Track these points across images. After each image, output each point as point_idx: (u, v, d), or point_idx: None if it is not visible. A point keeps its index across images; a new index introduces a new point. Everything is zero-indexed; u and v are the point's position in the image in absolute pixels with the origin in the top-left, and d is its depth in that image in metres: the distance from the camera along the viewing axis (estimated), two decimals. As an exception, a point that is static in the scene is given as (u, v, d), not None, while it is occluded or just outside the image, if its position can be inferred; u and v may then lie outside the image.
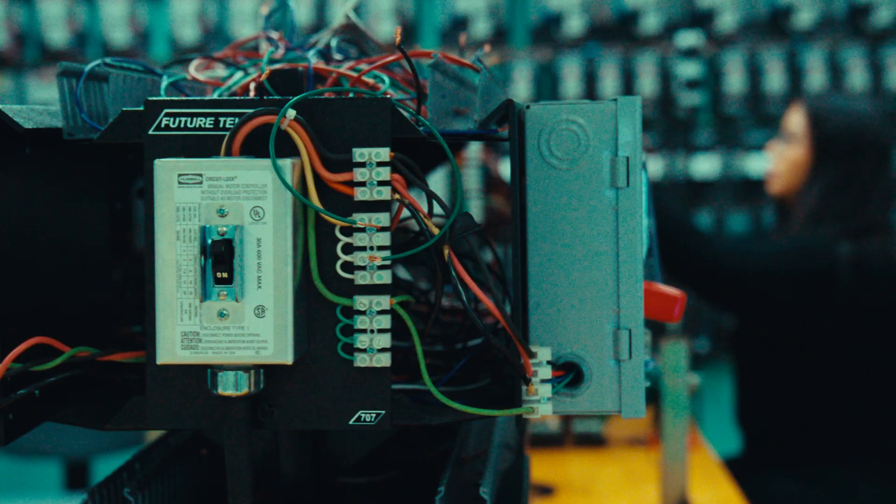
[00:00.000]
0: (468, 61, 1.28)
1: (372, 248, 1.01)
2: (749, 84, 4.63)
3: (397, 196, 1.01)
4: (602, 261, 1.08)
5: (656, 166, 4.60)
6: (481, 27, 4.70)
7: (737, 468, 3.14)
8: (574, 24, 4.67)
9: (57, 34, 4.75)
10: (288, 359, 0.98)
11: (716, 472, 2.67)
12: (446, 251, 1.01)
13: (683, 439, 2.21)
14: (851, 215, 2.95)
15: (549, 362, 1.06)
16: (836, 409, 2.99)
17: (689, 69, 4.20)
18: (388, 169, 1.00)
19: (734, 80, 4.62)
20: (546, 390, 1.05)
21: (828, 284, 2.88)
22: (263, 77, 1.10)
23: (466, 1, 4.70)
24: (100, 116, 1.11)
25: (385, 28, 4.69)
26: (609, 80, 4.64)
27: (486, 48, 1.41)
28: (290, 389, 1.02)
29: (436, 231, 1.01)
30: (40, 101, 4.81)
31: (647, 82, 4.62)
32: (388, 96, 1.04)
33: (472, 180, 2.64)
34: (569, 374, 1.08)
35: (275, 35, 1.35)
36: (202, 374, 1.00)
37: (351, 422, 1.02)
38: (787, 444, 3.03)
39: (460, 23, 4.72)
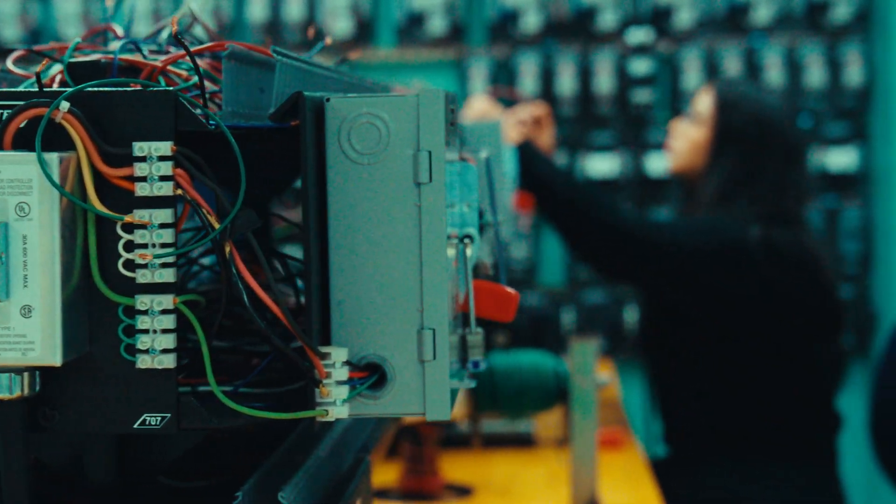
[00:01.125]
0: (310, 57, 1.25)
1: (154, 246, 0.98)
2: (707, 81, 4.60)
3: (180, 191, 0.98)
4: (405, 259, 1.05)
5: (613, 164, 4.57)
6: (438, 24, 4.67)
7: (668, 466, 3.11)
8: (531, 21, 4.64)
9: None
10: (56, 360, 0.95)
11: (640, 473, 2.64)
12: (227, 248, 0.97)
13: (593, 439, 2.18)
14: (762, 202, 2.92)
15: (347, 363, 1.03)
16: (751, 399, 2.96)
17: (640, 66, 4.17)
18: (169, 164, 0.97)
19: (692, 77, 4.59)
20: (342, 392, 1.02)
21: (740, 264, 2.86)
22: (60, 70, 1.07)
23: (422, -3, 4.67)
24: None
25: (341, 25, 4.66)
26: (567, 77, 4.61)
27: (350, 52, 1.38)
28: (72, 392, 0.99)
29: (217, 227, 0.97)
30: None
31: (605, 79, 4.59)
32: (172, 88, 1.00)
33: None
34: (372, 376, 1.05)
35: (117, 28, 1.31)
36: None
37: (136, 425, 0.99)
38: (710, 439, 3.01)
39: (417, 20, 4.69)
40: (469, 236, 1.21)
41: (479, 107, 3.03)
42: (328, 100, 1.04)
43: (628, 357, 4.39)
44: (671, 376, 3.09)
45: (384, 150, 1.04)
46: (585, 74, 4.62)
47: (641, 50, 4.18)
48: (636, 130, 4.54)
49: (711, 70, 4.60)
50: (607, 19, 4.58)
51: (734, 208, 2.92)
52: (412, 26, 4.71)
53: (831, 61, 4.59)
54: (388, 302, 1.05)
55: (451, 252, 1.11)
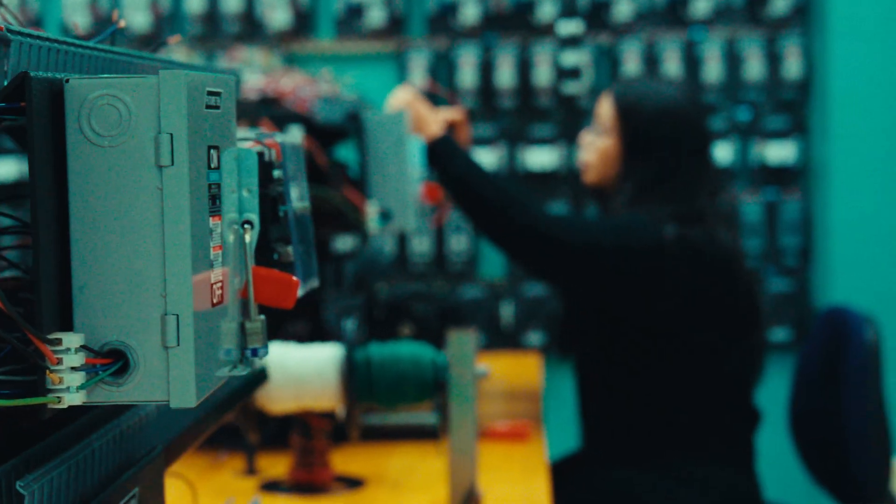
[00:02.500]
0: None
1: None
2: (647, 73, 4.58)
3: None
4: (147, 243, 1.03)
5: (552, 157, 4.56)
6: (377, 15, 4.65)
7: (579, 462, 3.10)
8: (470, 13, 4.62)
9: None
10: None
11: (536, 467, 2.62)
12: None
13: (472, 430, 2.16)
14: (676, 201, 2.89)
15: (85, 349, 1.01)
16: (666, 396, 2.94)
17: (570, 58, 4.15)
18: None
19: (632, 68, 4.57)
20: (76, 379, 1.00)
21: (655, 264, 2.82)
22: None
23: (360, -11, 4.65)
24: None
25: (280, 17, 4.64)
26: (506, 69, 4.60)
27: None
28: None
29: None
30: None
31: (543, 72, 4.57)
32: None
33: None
34: (116, 363, 1.03)
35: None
36: None
37: None
38: (623, 435, 2.99)
39: (356, 11, 4.67)
40: (249, 222, 1.19)
41: (401, 97, 3.01)
42: (67, 81, 1.02)
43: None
44: (589, 371, 3.07)
45: (125, 133, 1.02)
46: (524, 66, 4.60)
47: (572, 41, 4.16)
48: (574, 123, 4.51)
49: (651, 62, 4.59)
50: (546, 11, 4.56)
51: (650, 209, 2.89)
52: (351, 18, 4.69)
53: (770, 54, 4.58)
54: (131, 287, 1.03)
55: (231, 237, 1.09)
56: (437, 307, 2.92)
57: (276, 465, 2.51)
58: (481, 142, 4.59)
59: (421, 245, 4.62)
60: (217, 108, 1.11)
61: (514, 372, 3.67)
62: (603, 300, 2.94)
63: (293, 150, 1.35)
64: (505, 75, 4.60)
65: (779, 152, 4.57)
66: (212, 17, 4.70)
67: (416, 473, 2.56)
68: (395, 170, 2.69)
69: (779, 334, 4.54)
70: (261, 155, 1.29)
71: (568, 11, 4.53)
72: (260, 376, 1.96)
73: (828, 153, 4.51)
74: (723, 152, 4.54)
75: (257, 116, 2.33)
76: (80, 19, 4.68)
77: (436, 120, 2.99)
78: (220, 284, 1.12)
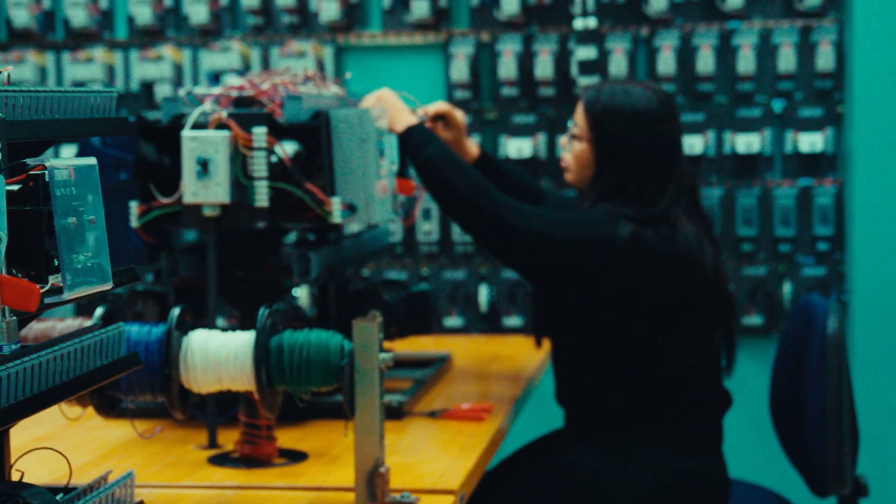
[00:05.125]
0: None
1: None
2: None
3: None
4: None
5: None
6: (422, 7, 4.83)
7: (548, 441, 3.27)
8: (511, 6, 4.77)
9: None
10: None
11: (476, 445, 2.75)
12: None
13: (375, 412, 2.33)
14: (636, 203, 3.02)
15: None
16: (628, 382, 3.09)
17: (583, 52, 4.29)
18: None
19: (667, 60, 4.69)
20: None
21: (606, 259, 2.97)
22: None
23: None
24: None
25: (330, 8, 4.84)
26: (545, 60, 4.74)
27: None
28: None
29: None
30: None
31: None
32: None
33: (259, 164, 2.78)
34: None
35: None
36: None
37: None
38: (589, 417, 3.14)
39: (403, 3, 4.88)
40: None
41: (379, 94, 3.19)
42: None
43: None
44: (560, 355, 3.22)
45: None
46: (563, 57, 4.75)
47: (584, 36, 4.31)
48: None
49: (686, 54, 4.70)
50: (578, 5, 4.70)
51: (612, 207, 3.03)
52: (398, 10, 4.88)
53: (804, 45, 4.65)
54: None
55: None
56: (405, 294, 3.10)
57: (228, 440, 2.71)
58: (521, 131, 4.77)
59: (428, 229, 4.84)
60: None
61: (506, 353, 3.84)
62: (560, 289, 3.10)
63: (84, 170, 1.55)
64: (544, 66, 4.75)
65: (812, 141, 4.65)
66: (267, 9, 4.93)
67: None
68: (360, 165, 2.87)
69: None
70: (38, 178, 1.49)
71: (611, 5, 4.67)
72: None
73: (859, 141, 4.58)
74: (758, 141, 4.64)
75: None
76: (143, 12, 4.95)
77: (410, 111, 3.16)
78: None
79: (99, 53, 5.00)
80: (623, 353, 3.08)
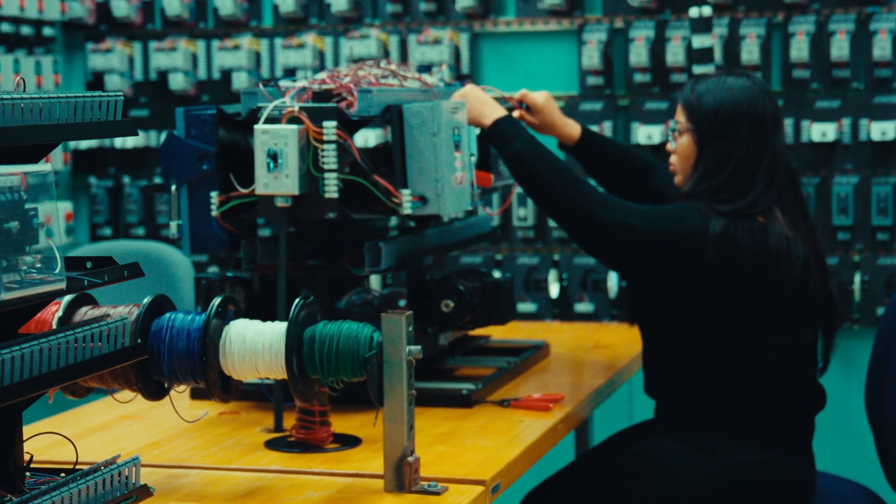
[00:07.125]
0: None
1: None
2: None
3: None
4: None
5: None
6: (556, -5, 4.86)
7: (635, 431, 3.30)
8: (644, -8, 4.76)
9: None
10: None
11: (527, 434, 2.79)
12: None
13: (403, 402, 2.39)
14: (728, 192, 3.02)
15: None
16: (712, 377, 3.08)
17: (700, 40, 4.26)
18: None
19: (801, 46, 4.62)
20: None
21: (694, 255, 2.96)
22: None
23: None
24: None
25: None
26: (676, 46, 4.72)
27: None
28: None
29: None
30: (161, 69, 5.28)
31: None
32: None
33: (329, 157, 2.86)
34: None
35: None
36: None
37: None
38: (676, 409, 3.15)
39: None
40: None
41: (464, 91, 3.24)
42: None
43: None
44: (650, 345, 3.23)
45: None
46: (690, 45, 4.72)
47: (703, 25, 4.27)
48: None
49: (820, 40, 4.62)
50: (714, -10, 4.67)
51: (705, 202, 3.03)
52: (530, -3, 4.93)
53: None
54: None
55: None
56: (479, 283, 3.14)
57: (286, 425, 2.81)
58: (653, 118, 4.77)
59: (523, 214, 4.91)
60: None
61: (608, 341, 3.85)
62: (645, 281, 3.11)
63: (37, 176, 1.65)
64: (675, 52, 4.72)
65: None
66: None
67: (421, 436, 2.78)
68: (431, 157, 2.93)
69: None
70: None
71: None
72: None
73: None
74: (894, 129, 4.54)
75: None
76: (286, 2, 5.09)
77: (497, 104, 3.20)
78: None
79: (245, 41, 5.17)
80: (707, 346, 3.07)
